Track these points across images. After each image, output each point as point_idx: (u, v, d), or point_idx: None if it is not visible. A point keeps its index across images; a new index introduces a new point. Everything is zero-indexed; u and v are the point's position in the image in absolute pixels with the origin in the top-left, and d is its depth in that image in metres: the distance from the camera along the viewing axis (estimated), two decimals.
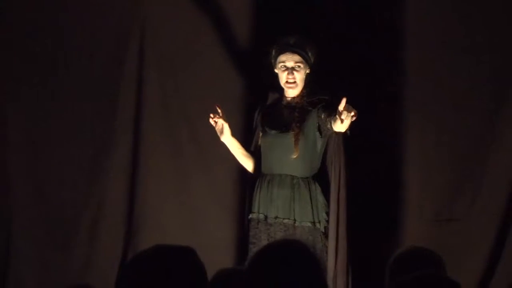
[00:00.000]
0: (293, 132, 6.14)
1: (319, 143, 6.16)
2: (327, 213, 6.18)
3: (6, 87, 7.09)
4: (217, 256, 6.39)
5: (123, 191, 7.05)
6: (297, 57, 6.15)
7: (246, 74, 6.99)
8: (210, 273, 3.60)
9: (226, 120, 6.15)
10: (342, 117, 5.65)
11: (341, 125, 5.76)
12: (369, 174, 6.84)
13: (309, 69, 6.20)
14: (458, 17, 6.93)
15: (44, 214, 7.04)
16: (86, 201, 7.04)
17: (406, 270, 3.83)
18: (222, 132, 6.16)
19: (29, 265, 7.02)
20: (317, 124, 6.12)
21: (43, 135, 7.06)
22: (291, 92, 6.20)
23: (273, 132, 6.22)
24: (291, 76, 6.14)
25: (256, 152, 6.32)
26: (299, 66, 6.15)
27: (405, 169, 6.99)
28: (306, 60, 6.18)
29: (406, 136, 7.00)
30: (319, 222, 6.15)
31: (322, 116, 6.06)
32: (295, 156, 6.10)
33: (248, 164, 6.32)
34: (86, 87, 7.02)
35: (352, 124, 5.89)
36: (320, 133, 6.14)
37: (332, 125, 5.92)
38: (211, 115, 6.11)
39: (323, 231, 6.14)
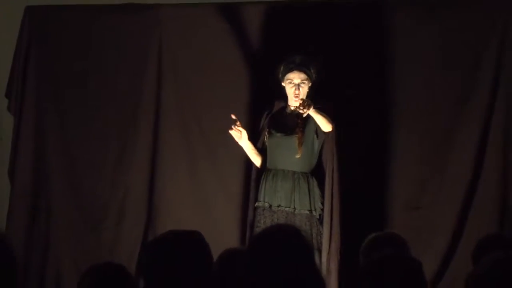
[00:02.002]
0: (296, 136, 6.44)
1: (316, 144, 6.48)
2: (322, 203, 6.50)
3: (50, 96, 7.23)
4: (223, 238, 6.53)
5: (144, 183, 7.20)
6: (303, 75, 6.47)
7: (254, 82, 7.05)
8: (217, 252, 3.94)
9: (243, 127, 6.46)
10: (300, 111, 6.18)
11: (319, 124, 6.28)
12: (356, 172, 6.93)
13: (311, 84, 6.51)
14: (431, 43, 7.04)
15: (78, 202, 7.23)
16: (113, 192, 7.24)
17: (377, 250, 4.14)
18: (240, 137, 6.46)
19: (65, 245, 7.18)
20: (315, 128, 6.44)
21: (77, 136, 7.23)
22: (296, 103, 6.39)
23: (279, 134, 6.55)
24: (298, 92, 6.44)
25: (263, 150, 6.58)
26: (304, 83, 6.46)
27: (384, 168, 7.10)
28: (309, 77, 6.49)
29: (385, 141, 7.09)
30: (315, 210, 6.48)
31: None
32: (298, 156, 6.44)
33: (257, 161, 6.58)
34: (113, 94, 7.22)
35: (342, 131, 6.43)
36: (317, 136, 6.45)
37: (319, 127, 6.34)
38: (233, 126, 6.39)
39: (318, 218, 6.47)
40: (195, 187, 7.23)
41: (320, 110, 6.35)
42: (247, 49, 7.11)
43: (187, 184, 7.23)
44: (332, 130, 6.44)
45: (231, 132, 6.46)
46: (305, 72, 6.52)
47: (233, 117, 6.43)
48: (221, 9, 7.25)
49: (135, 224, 7.23)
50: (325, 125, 6.36)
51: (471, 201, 7.05)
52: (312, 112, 6.23)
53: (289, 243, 3.46)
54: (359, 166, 7.05)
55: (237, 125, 6.45)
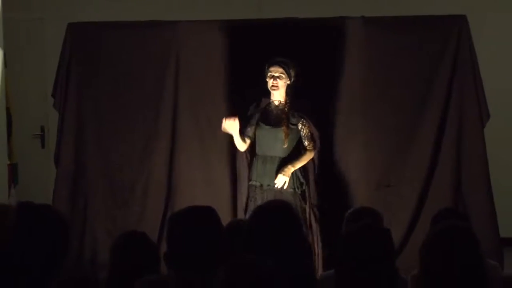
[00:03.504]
0: (283, 129, 6.52)
1: (295, 138, 6.60)
2: (302, 183, 6.60)
3: (87, 96, 7.19)
4: (228, 212, 6.88)
5: (164, 167, 7.17)
6: (280, 69, 6.52)
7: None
8: (225, 222, 4.03)
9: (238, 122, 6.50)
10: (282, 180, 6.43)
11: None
12: (338, 158, 7.09)
13: (289, 81, 6.55)
14: (396, 53, 7.06)
15: (110, 184, 7.20)
16: (138, 174, 7.19)
17: (356, 221, 4.38)
18: (234, 129, 6.50)
19: (100, 218, 7.17)
20: (298, 130, 6.59)
21: (110, 130, 7.18)
22: (275, 95, 6.58)
23: (267, 127, 6.59)
24: (275, 82, 6.53)
25: (250, 137, 6.62)
26: (281, 76, 6.52)
27: (360, 154, 7.10)
28: (287, 73, 6.53)
29: (361, 133, 7.10)
30: (298, 188, 6.56)
31: (302, 133, 6.59)
32: (285, 146, 6.53)
33: (243, 147, 6.62)
34: (139, 95, 7.17)
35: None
36: (299, 132, 6.60)
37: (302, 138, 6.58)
38: (232, 119, 6.46)
39: (300, 194, 6.58)
40: (206, 171, 7.18)
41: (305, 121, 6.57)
42: (246, 58, 7.01)
43: (199, 168, 7.20)
44: (311, 131, 6.62)
45: (227, 123, 6.49)
46: (283, 68, 6.55)
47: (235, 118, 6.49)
48: (224, 25, 7.24)
49: (157, 201, 7.20)
50: (308, 160, 6.62)
51: (430, 182, 7.09)
52: (294, 168, 6.53)
53: (283, 215, 3.60)
54: (342, 154, 7.13)
55: (234, 119, 6.48)
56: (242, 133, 6.63)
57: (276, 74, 6.57)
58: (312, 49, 7.13)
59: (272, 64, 6.60)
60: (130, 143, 7.23)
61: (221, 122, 6.62)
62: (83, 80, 7.19)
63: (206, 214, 3.63)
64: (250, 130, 6.68)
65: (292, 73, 6.60)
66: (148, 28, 7.27)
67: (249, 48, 7.04)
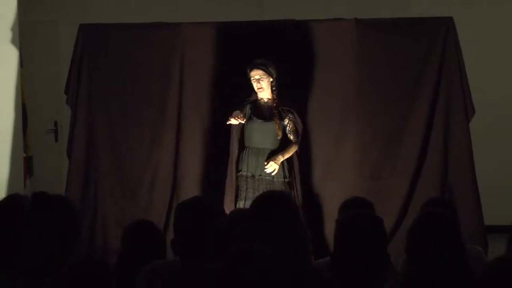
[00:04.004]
0: (274, 122, 6.57)
1: (283, 131, 6.61)
2: (290, 172, 6.66)
3: (98, 93, 7.16)
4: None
5: (170, 160, 7.15)
6: (260, 71, 6.56)
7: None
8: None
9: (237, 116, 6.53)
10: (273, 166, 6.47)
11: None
12: (331, 152, 7.09)
13: (272, 78, 6.58)
14: (386, 53, 7.06)
15: (120, 175, 7.17)
16: (146, 167, 7.16)
17: (350, 210, 4.44)
18: (237, 123, 6.54)
19: (110, 207, 7.14)
20: (286, 121, 6.61)
21: (119, 125, 7.15)
22: (262, 95, 6.63)
23: (259, 121, 6.61)
24: (259, 84, 6.58)
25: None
26: (262, 78, 6.56)
27: (354, 148, 7.08)
28: (267, 72, 6.56)
29: (354, 128, 7.08)
30: (286, 177, 6.61)
31: (288, 128, 6.61)
32: (279, 138, 6.58)
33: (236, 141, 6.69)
34: (146, 92, 7.15)
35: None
36: (285, 128, 6.61)
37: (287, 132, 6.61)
38: (237, 118, 6.49)
39: (288, 182, 6.61)
40: (208, 164, 7.16)
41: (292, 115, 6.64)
42: (246, 57, 6.88)
43: (202, 162, 7.17)
44: (296, 122, 6.69)
45: (234, 119, 6.50)
46: (262, 69, 6.58)
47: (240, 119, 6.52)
48: (225, 26, 7.29)
49: (163, 192, 7.18)
50: (293, 152, 6.67)
51: (419, 174, 7.09)
52: (283, 157, 6.53)
53: (282, 204, 3.56)
54: (337, 148, 7.11)
55: (239, 118, 6.51)
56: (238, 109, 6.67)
57: (257, 77, 6.60)
58: (308, 49, 7.14)
59: (252, 69, 6.62)
60: (137, 138, 7.20)
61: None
62: (94, 78, 7.18)
63: (210, 204, 3.68)
64: (241, 113, 6.68)
65: (273, 71, 6.62)
66: (154, 29, 7.26)
67: (249, 48, 7.00)
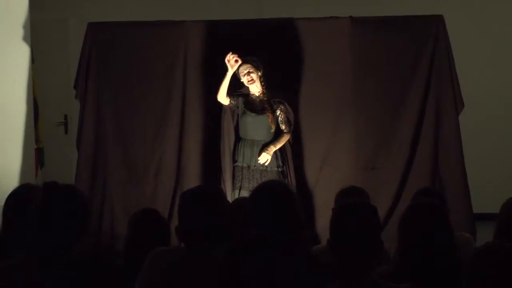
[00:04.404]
0: (267, 115, 6.62)
1: (276, 122, 6.67)
2: (283, 161, 6.71)
3: (105, 88, 7.15)
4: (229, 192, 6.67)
5: (174, 151, 7.15)
6: (248, 65, 6.63)
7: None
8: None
9: (231, 108, 6.64)
10: (266, 157, 6.53)
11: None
12: (329, 144, 7.10)
13: (260, 72, 6.65)
14: (381, 50, 7.07)
15: (126, 165, 7.16)
16: (152, 157, 7.16)
17: (346, 198, 4.35)
18: (233, 66, 6.53)
19: (116, 198, 7.15)
20: (278, 113, 6.67)
21: (126, 117, 7.14)
22: (252, 88, 6.69)
23: (253, 114, 6.66)
24: (249, 77, 6.64)
25: (231, 102, 6.66)
26: (251, 71, 6.62)
27: (348, 140, 7.10)
28: (255, 67, 6.63)
29: (348, 121, 7.09)
30: (280, 166, 6.65)
31: (279, 118, 6.68)
32: (272, 130, 6.63)
33: (222, 96, 6.62)
34: (152, 87, 7.15)
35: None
36: (277, 119, 6.66)
37: (279, 123, 6.66)
38: (232, 56, 6.49)
39: (281, 171, 6.67)
40: (209, 155, 7.14)
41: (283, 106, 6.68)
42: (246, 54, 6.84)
43: (203, 153, 7.19)
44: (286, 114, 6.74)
45: (230, 59, 6.52)
46: (249, 63, 6.64)
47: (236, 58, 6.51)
48: (226, 24, 7.31)
49: (168, 181, 7.19)
50: (285, 141, 6.72)
51: (411, 164, 7.10)
52: (275, 147, 6.56)
53: (281, 193, 3.61)
54: (334, 140, 7.11)
55: (235, 58, 6.53)
56: (229, 95, 6.66)
57: (246, 71, 6.64)
58: (306, 46, 7.15)
59: (240, 65, 6.64)
60: (143, 131, 7.20)
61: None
62: (102, 73, 7.17)
63: (213, 192, 3.64)
64: (233, 99, 6.71)
65: (260, 66, 6.67)
66: (159, 27, 7.26)
67: (248, 45, 6.98)
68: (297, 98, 7.11)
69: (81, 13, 8.93)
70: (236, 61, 6.56)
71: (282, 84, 6.93)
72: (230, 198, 6.54)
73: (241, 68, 6.65)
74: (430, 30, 7.03)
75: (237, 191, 6.61)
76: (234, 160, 6.72)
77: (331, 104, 7.12)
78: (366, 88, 7.10)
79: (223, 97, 6.67)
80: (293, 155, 6.85)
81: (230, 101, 6.68)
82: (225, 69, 6.67)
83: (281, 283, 2.73)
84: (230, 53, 6.54)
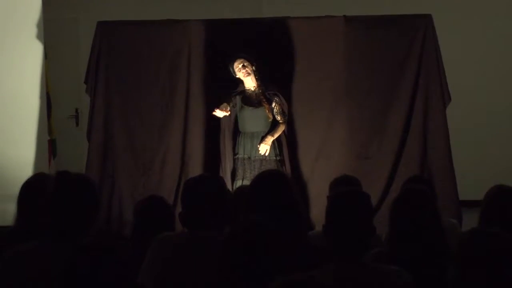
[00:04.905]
0: (264, 107, 6.61)
1: (272, 113, 6.65)
2: (280, 151, 6.71)
3: (114, 83, 7.11)
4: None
5: (179, 143, 7.14)
6: (242, 59, 6.63)
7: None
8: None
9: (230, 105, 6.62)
10: (265, 148, 6.51)
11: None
12: (323, 135, 7.08)
13: (253, 66, 6.63)
14: (372, 47, 7.03)
15: (134, 155, 7.14)
16: (158, 148, 7.15)
17: (340, 186, 4.49)
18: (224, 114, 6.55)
19: (124, 186, 7.14)
20: (273, 104, 6.63)
21: (133, 111, 7.12)
22: (248, 81, 6.67)
23: (250, 108, 6.65)
24: (244, 70, 6.62)
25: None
26: (245, 63, 6.61)
27: (343, 129, 7.08)
28: (248, 60, 6.62)
29: (342, 113, 7.08)
30: (278, 155, 6.65)
31: (275, 110, 6.65)
32: (270, 120, 6.63)
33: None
34: (157, 83, 7.12)
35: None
36: (273, 110, 6.64)
37: (274, 114, 6.64)
38: (223, 110, 6.51)
39: (279, 160, 6.66)
40: (211, 147, 7.13)
41: (278, 98, 6.66)
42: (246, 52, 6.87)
43: (206, 145, 7.16)
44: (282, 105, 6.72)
45: (219, 111, 6.53)
46: (244, 58, 6.63)
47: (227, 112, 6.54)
48: (227, 22, 7.31)
49: (172, 171, 7.17)
50: (281, 131, 6.71)
51: (401, 154, 7.08)
52: (273, 137, 6.55)
53: (279, 181, 3.59)
54: (328, 131, 7.11)
55: (225, 110, 6.54)
56: (227, 100, 6.67)
57: (240, 65, 6.62)
58: (303, 42, 7.14)
59: (234, 60, 6.65)
60: (149, 123, 7.18)
61: (225, 108, 6.65)
62: (110, 69, 7.14)
63: (215, 181, 3.65)
64: (232, 100, 6.71)
65: (252, 60, 6.65)
66: (164, 25, 7.25)
67: (247, 42, 6.98)
68: (293, 92, 7.09)
69: (91, 12, 8.92)
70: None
71: (280, 78, 6.93)
72: (230, 186, 6.53)
73: (235, 64, 6.64)
74: (419, 28, 7.01)
75: (240, 181, 6.60)
76: (235, 153, 6.71)
77: (326, 97, 7.10)
78: (359, 82, 7.09)
79: (221, 115, 6.67)
80: (288, 146, 6.85)
81: (229, 109, 6.65)
82: (225, 67, 6.73)
83: (279, 264, 2.73)
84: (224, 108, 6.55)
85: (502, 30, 9.15)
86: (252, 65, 6.65)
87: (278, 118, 6.72)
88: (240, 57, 6.64)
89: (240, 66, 6.62)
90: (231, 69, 6.68)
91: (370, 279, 2.94)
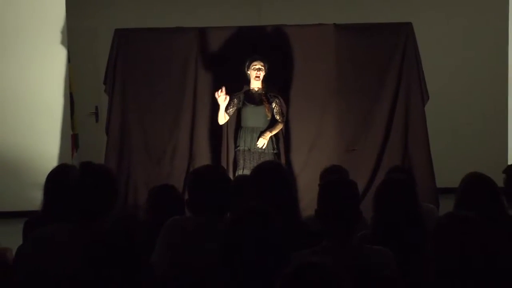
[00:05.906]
0: (264, 106, 6.54)
1: (271, 112, 6.59)
2: (277, 145, 6.65)
3: (130, 84, 7.07)
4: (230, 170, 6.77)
5: (187, 137, 7.11)
6: (262, 63, 6.53)
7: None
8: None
9: (226, 95, 6.41)
10: (262, 141, 6.44)
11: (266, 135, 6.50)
12: (314, 130, 7.05)
13: (265, 73, 6.56)
14: (359, 53, 7.00)
15: (147, 148, 7.11)
16: (169, 141, 7.11)
17: (329, 176, 4.49)
18: (223, 101, 6.41)
19: (140, 174, 7.09)
20: (273, 105, 6.56)
21: (147, 109, 7.08)
22: (255, 84, 6.58)
23: (252, 106, 6.58)
24: (258, 73, 6.51)
25: (229, 114, 6.55)
26: (262, 68, 6.52)
27: (332, 125, 7.05)
28: (264, 66, 6.53)
29: (334, 108, 7.05)
30: (275, 149, 6.58)
31: (274, 110, 6.57)
32: (268, 118, 6.56)
33: (222, 121, 6.57)
34: (168, 84, 7.08)
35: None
36: (272, 110, 6.56)
37: (274, 114, 6.58)
38: (220, 92, 6.34)
39: (275, 153, 6.60)
40: (215, 141, 7.11)
41: (278, 99, 6.60)
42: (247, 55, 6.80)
43: (211, 139, 7.13)
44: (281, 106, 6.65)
45: (219, 95, 6.38)
46: (263, 62, 6.55)
47: (224, 88, 6.39)
48: (230, 29, 7.20)
49: (182, 162, 7.13)
50: (279, 129, 6.64)
51: (385, 146, 7.06)
52: (271, 133, 6.48)
53: (276, 171, 3.60)
54: (319, 126, 7.07)
55: (223, 93, 6.39)
56: (226, 110, 6.56)
57: (258, 67, 6.53)
58: (297, 48, 7.11)
59: (254, 59, 6.56)
60: (161, 119, 7.15)
61: (228, 106, 6.58)
62: (126, 72, 7.11)
63: (218, 170, 3.65)
64: (231, 110, 6.63)
65: (267, 66, 6.59)
66: (175, 32, 7.22)
67: (248, 48, 6.91)
68: (290, 92, 7.05)
69: (109, 21, 8.86)
70: (226, 93, 6.44)
71: (277, 80, 6.88)
72: (232, 175, 6.52)
73: (254, 62, 6.54)
74: (401, 35, 7.01)
75: (240, 171, 6.56)
76: (237, 145, 6.65)
77: (318, 96, 7.07)
78: (348, 83, 7.06)
79: (222, 122, 6.65)
80: (284, 140, 6.84)
81: (232, 110, 6.61)
82: (229, 69, 6.72)
83: (276, 245, 2.72)
84: (221, 89, 6.41)
85: (473, 36, 9.15)
86: (265, 71, 6.58)
87: (277, 117, 6.66)
88: (261, 59, 6.57)
89: (257, 67, 6.54)
90: (247, 63, 6.59)
91: (357, 257, 2.95)
